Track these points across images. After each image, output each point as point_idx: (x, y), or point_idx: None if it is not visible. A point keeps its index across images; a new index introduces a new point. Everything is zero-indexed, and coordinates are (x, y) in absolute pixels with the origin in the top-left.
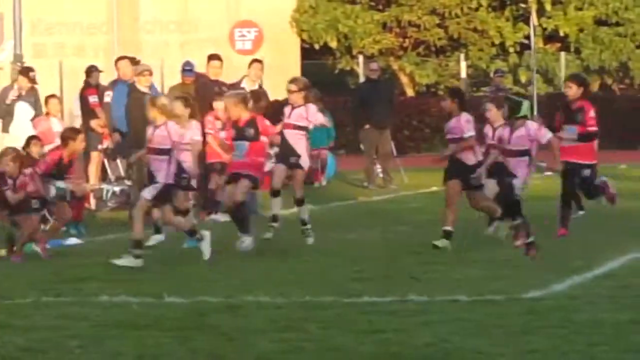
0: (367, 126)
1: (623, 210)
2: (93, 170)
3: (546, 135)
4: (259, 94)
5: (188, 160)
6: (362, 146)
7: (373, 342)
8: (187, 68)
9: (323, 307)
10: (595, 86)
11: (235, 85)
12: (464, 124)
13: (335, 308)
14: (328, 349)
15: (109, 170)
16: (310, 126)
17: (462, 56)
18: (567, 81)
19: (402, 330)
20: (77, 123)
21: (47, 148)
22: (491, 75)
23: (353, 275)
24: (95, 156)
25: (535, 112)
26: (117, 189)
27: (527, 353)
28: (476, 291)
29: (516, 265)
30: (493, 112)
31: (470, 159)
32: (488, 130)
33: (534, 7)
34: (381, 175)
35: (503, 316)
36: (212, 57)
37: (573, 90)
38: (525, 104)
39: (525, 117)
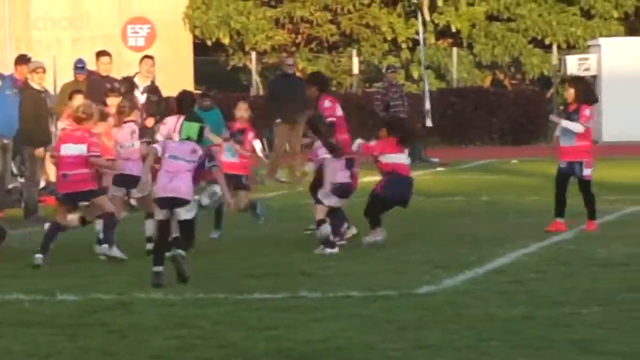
0: (278, 120)
1: (514, 206)
2: None
3: None
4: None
5: None
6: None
7: (265, 339)
8: (79, 65)
9: (215, 304)
10: (487, 81)
11: (128, 80)
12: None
13: (227, 305)
14: (220, 345)
15: None
16: None
17: (354, 52)
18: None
19: (294, 326)
20: None
21: None
22: (383, 71)
23: (244, 272)
24: None
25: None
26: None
27: (419, 348)
28: (368, 287)
29: (408, 261)
30: None
31: None
32: None
33: (425, 3)
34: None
35: (395, 311)
36: (101, 53)
37: (570, 93)
38: None
39: None
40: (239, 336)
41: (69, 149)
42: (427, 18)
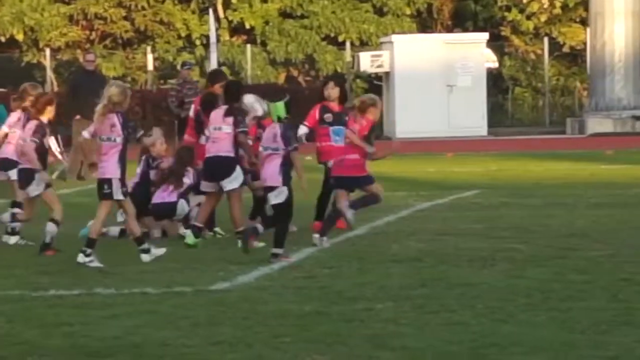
0: (77, 117)
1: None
2: None
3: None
4: None
5: None
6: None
7: (60, 336)
8: None
9: (10, 301)
10: (281, 78)
11: None
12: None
13: (22, 302)
14: (15, 343)
15: None
16: None
17: (148, 49)
18: None
19: (90, 323)
20: None
21: None
22: (178, 67)
23: (39, 268)
24: None
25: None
26: None
27: (213, 344)
28: (164, 283)
29: (203, 258)
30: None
31: None
32: None
33: (220, 0)
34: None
35: (190, 308)
36: None
37: (335, 92)
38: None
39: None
40: (34, 333)
41: None
42: (221, 15)
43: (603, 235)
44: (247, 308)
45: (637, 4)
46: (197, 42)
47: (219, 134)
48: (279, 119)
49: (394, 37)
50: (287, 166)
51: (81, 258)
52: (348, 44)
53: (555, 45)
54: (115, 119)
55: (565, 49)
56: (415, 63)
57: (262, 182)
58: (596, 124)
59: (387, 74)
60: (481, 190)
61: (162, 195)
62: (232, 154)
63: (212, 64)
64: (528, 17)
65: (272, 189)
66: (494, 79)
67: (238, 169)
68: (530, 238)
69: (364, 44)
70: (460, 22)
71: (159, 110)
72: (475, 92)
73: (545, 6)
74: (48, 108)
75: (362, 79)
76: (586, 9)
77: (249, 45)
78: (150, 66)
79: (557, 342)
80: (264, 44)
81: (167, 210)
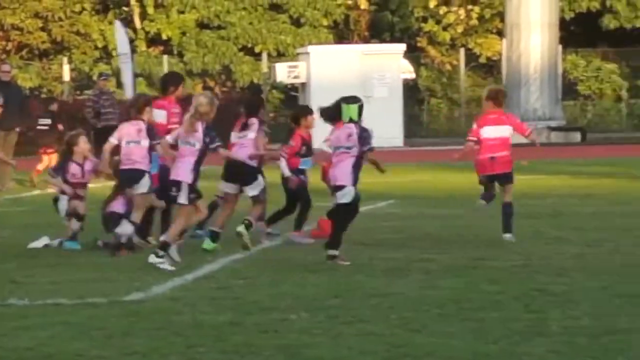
0: None
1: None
2: None
3: None
4: None
5: None
6: None
7: None
8: None
9: None
10: (198, 89)
11: None
12: None
13: None
14: None
15: None
16: None
17: (65, 59)
18: None
19: (2, 334)
20: None
21: None
22: (95, 78)
23: None
24: None
25: None
26: None
27: (128, 355)
28: (78, 294)
29: (118, 269)
30: None
31: None
32: None
33: (136, 11)
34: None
35: (104, 319)
36: None
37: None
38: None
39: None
40: None
41: None
42: (138, 26)
43: (517, 246)
44: (162, 319)
45: (553, 16)
46: (114, 53)
47: (244, 141)
48: (351, 120)
49: (311, 48)
50: (358, 167)
51: (152, 258)
52: (265, 55)
53: (471, 56)
54: (198, 126)
55: (481, 60)
56: (332, 74)
57: (332, 180)
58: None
59: (303, 84)
60: (397, 200)
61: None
62: (254, 162)
63: (126, 76)
64: (444, 28)
65: (340, 187)
66: (410, 90)
67: (259, 176)
68: (445, 248)
69: (280, 55)
70: (377, 33)
71: (75, 121)
72: (392, 102)
73: (462, 17)
74: None
75: (278, 89)
76: (502, 20)
77: (165, 56)
78: (66, 77)
79: (470, 353)
80: (180, 55)
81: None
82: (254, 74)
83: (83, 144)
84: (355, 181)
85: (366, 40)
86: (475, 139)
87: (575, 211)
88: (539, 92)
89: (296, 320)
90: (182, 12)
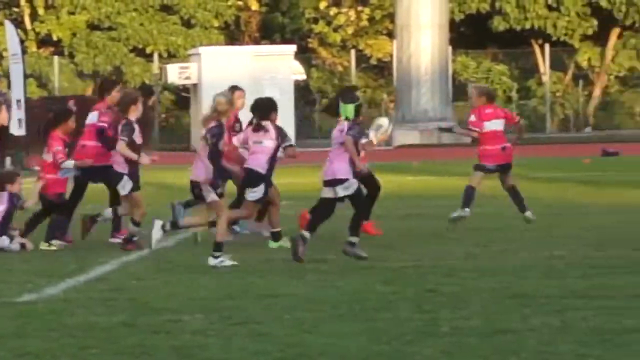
0: None
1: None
2: None
3: None
4: None
5: None
6: None
7: None
8: None
9: None
10: (89, 90)
11: None
12: None
13: None
14: None
15: None
16: None
17: None
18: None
19: None
20: None
21: None
22: None
23: None
24: None
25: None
26: None
27: (20, 356)
28: None
29: (10, 269)
30: None
31: None
32: None
33: (26, 12)
34: None
35: None
36: None
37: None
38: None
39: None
40: None
41: None
42: (28, 27)
43: (409, 246)
44: (55, 320)
45: (443, 17)
46: (5, 54)
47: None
48: (347, 119)
49: (202, 49)
50: (351, 160)
51: (212, 261)
52: (156, 56)
53: (362, 58)
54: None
55: (372, 61)
56: (223, 75)
57: (330, 174)
58: (403, 136)
59: (194, 85)
60: (289, 201)
61: None
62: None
63: (16, 76)
64: (335, 30)
65: (341, 181)
66: (302, 91)
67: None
68: (340, 249)
69: (171, 56)
70: (268, 34)
71: None
72: (283, 104)
73: (352, 19)
74: None
75: (169, 90)
76: (393, 22)
77: (56, 57)
78: None
79: (364, 353)
80: (71, 56)
81: None
82: (145, 75)
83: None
84: (354, 174)
85: (257, 42)
86: (478, 129)
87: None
88: (430, 93)
89: (189, 321)
90: (73, 13)
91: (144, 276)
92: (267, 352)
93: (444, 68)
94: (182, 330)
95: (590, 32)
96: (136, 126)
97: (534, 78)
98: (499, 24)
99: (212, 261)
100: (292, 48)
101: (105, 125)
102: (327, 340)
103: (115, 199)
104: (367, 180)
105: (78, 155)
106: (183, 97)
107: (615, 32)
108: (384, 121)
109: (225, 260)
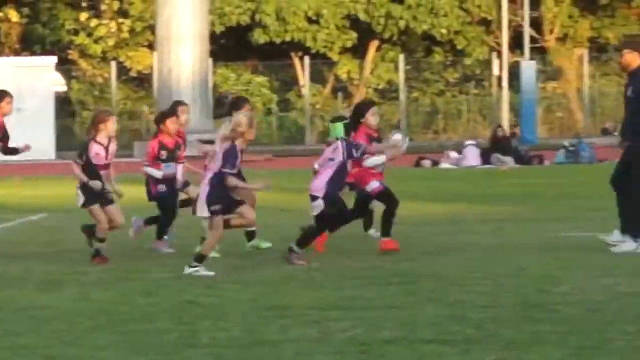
0: None
1: None
2: None
3: None
4: None
5: None
6: None
7: None
8: None
9: None
10: None
11: None
12: None
13: None
14: None
15: None
16: None
17: None
18: None
19: None
20: None
21: None
22: None
23: None
24: None
25: None
26: None
27: None
28: None
29: None
30: None
31: None
32: None
33: None
34: None
35: None
36: None
37: None
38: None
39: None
40: None
41: None
42: None
43: (169, 259)
44: None
45: (204, 28)
46: None
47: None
48: (338, 138)
49: None
50: (337, 178)
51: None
52: None
53: (123, 70)
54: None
55: (133, 73)
56: None
57: (311, 190)
58: None
59: None
60: (50, 214)
61: None
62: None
63: None
64: (96, 42)
65: (314, 198)
66: (63, 103)
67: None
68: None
69: None
70: (28, 46)
71: None
72: (43, 115)
73: (113, 30)
74: None
75: None
76: (154, 34)
77: None
78: None
79: None
80: None
81: None
82: None
83: (112, 124)
84: (332, 191)
85: (17, 53)
86: None
87: None
88: (192, 105)
89: None
90: None
91: None
92: None
93: (204, 80)
94: None
95: (349, 45)
96: None
97: (294, 90)
98: (259, 37)
99: (187, 270)
100: (53, 60)
101: None
102: (87, 352)
103: None
104: (385, 196)
105: None
106: None
107: (375, 45)
108: (398, 136)
109: (201, 271)
